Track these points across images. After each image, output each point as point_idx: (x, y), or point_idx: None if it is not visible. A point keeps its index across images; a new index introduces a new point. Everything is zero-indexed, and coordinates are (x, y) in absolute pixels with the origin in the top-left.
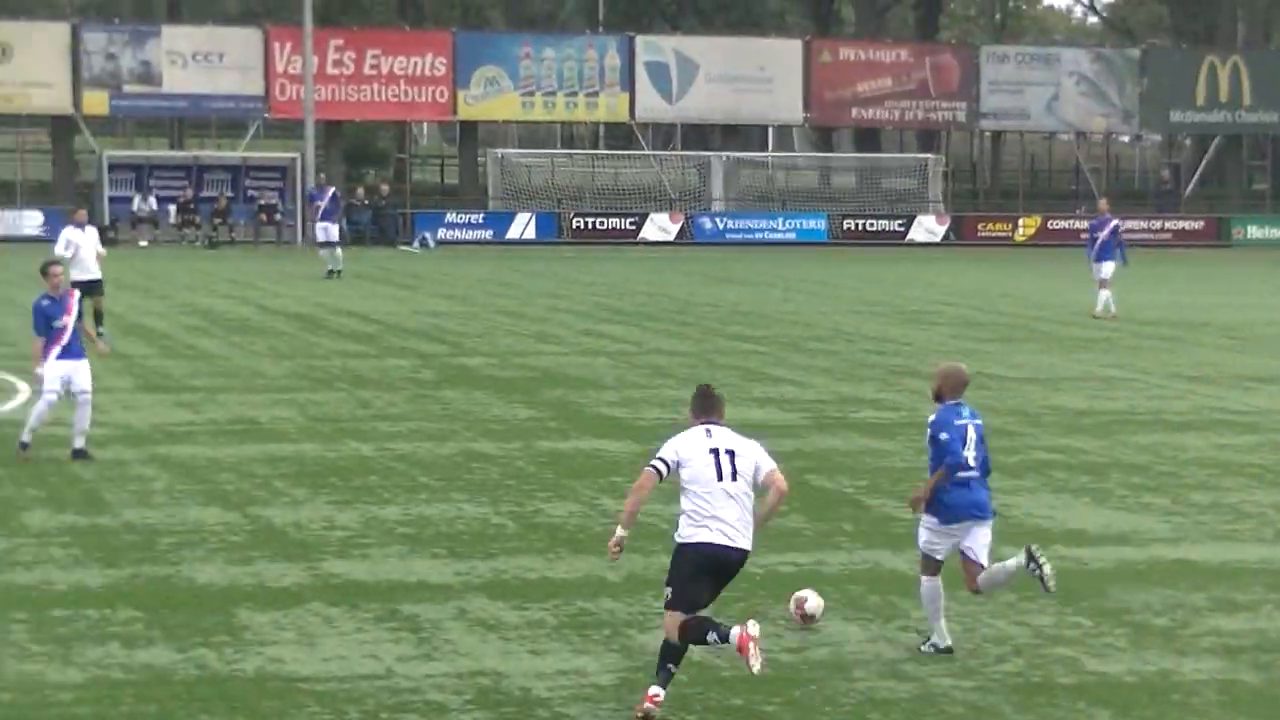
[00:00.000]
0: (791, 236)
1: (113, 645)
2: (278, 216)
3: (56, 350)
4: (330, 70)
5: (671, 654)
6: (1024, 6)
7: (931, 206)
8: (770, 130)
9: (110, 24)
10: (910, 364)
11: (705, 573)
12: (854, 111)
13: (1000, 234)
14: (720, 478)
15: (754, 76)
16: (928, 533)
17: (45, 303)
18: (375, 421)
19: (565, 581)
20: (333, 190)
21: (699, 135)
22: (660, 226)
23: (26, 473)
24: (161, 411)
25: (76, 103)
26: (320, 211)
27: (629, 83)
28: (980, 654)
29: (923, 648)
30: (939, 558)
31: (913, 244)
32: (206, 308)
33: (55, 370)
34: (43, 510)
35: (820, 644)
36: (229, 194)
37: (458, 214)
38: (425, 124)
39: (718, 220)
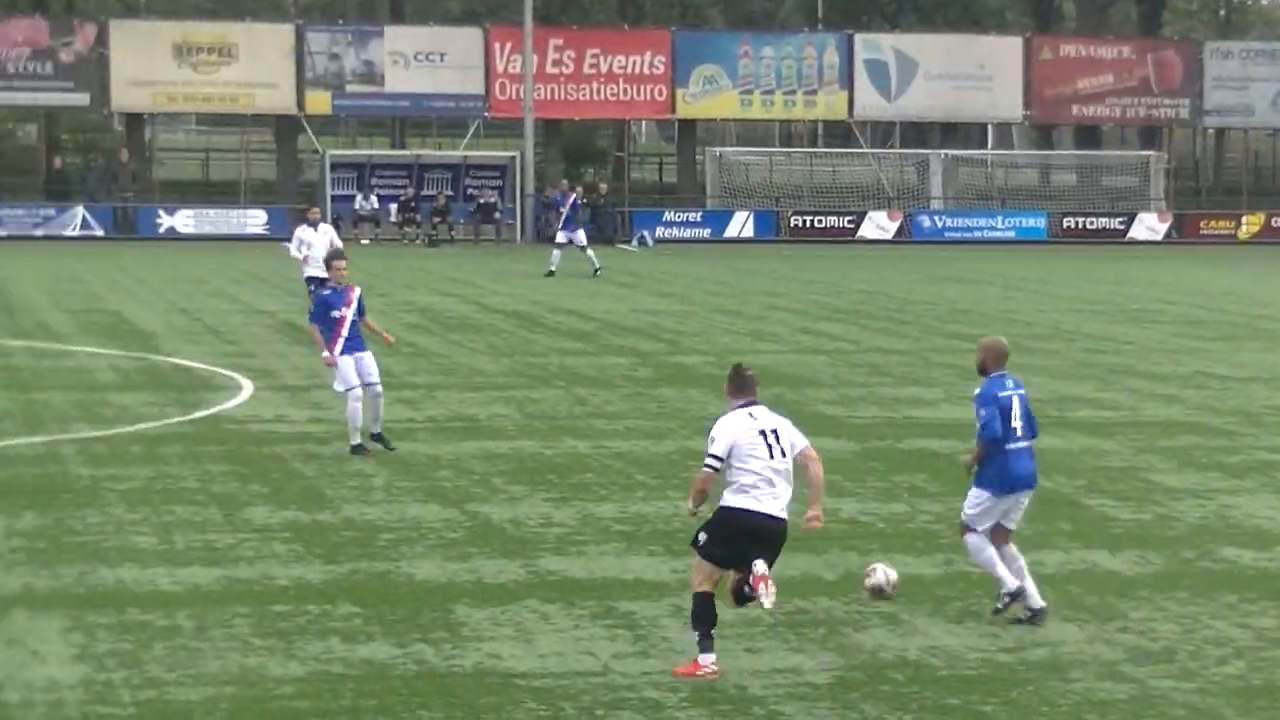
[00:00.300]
0: (1010, 235)
1: (333, 640)
2: (496, 215)
3: (339, 345)
4: (550, 69)
5: (704, 611)
6: (1249, 1)
7: (1153, 204)
8: (989, 128)
9: (334, 25)
10: (1131, 363)
11: (746, 537)
12: (1074, 109)
13: (1223, 232)
14: (771, 456)
15: (973, 74)
16: (979, 505)
17: (326, 293)
18: (592, 419)
19: (781, 579)
20: (574, 196)
21: (917, 133)
22: (878, 225)
23: (250, 469)
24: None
25: (300, 103)
26: (563, 219)
27: (848, 81)
28: (1201, 656)
29: (999, 605)
30: (980, 529)
31: (1133, 242)
32: (426, 305)
33: (346, 366)
34: (265, 506)
35: (1038, 644)
36: (449, 193)
37: (676, 212)
38: (644, 122)
39: (936, 218)
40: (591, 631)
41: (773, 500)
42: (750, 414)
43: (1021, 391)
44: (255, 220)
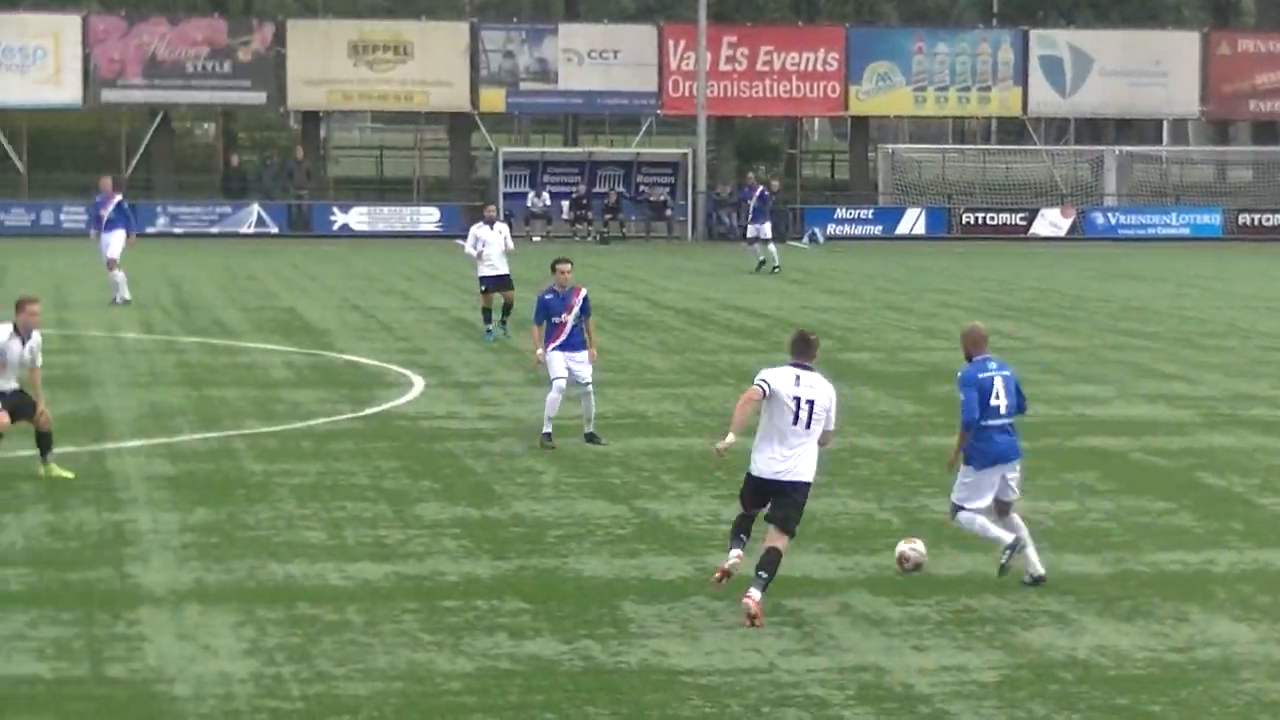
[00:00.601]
0: (1185, 232)
1: (500, 636)
2: (668, 212)
3: (556, 344)
4: (723, 66)
5: (740, 525)
6: None
7: None
8: (1165, 124)
9: (508, 23)
10: None
11: (762, 493)
12: (1252, 104)
13: None
14: (795, 423)
15: (1149, 70)
16: (965, 482)
17: (549, 296)
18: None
19: (949, 578)
20: (761, 189)
21: (1091, 129)
22: (1051, 222)
23: (420, 465)
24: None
25: (474, 100)
26: (751, 211)
27: (1022, 77)
28: None
29: (1003, 561)
30: (969, 507)
31: None
32: (597, 303)
33: (558, 360)
34: (435, 502)
35: (1208, 644)
36: (620, 190)
37: (847, 209)
38: (816, 119)
39: (1110, 215)
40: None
41: (782, 462)
42: (798, 376)
43: (1006, 372)
44: (428, 217)
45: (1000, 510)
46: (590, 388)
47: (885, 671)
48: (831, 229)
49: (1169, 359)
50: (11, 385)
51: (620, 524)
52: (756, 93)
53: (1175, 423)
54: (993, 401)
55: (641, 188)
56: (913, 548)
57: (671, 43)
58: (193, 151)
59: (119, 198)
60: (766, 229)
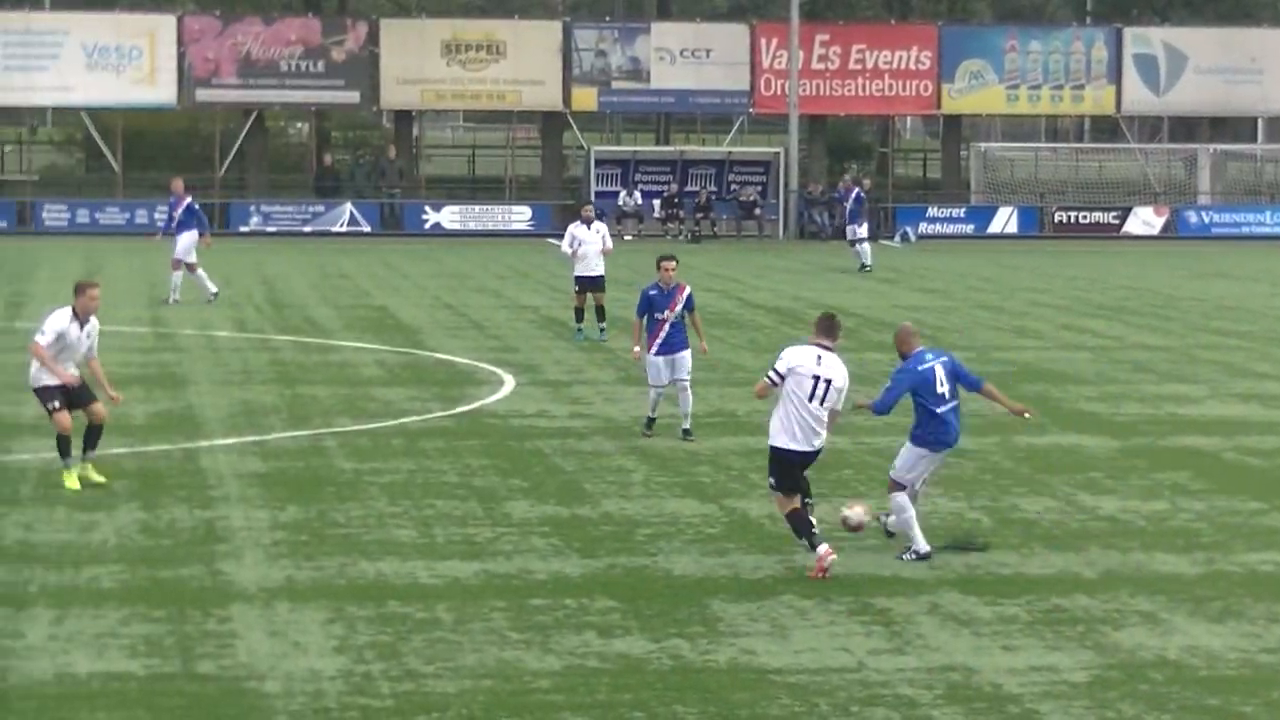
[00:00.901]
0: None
1: (589, 634)
2: (759, 211)
3: (658, 343)
4: (815, 65)
5: (801, 524)
6: None
7: None
8: (1260, 122)
9: (601, 22)
10: None
11: (793, 466)
12: None
13: None
14: (811, 399)
15: (1244, 67)
16: (912, 462)
17: (653, 292)
18: (851, 415)
19: (1039, 577)
20: (856, 190)
21: (1185, 128)
22: (1144, 220)
23: (510, 463)
24: (643, 404)
25: (566, 99)
26: (848, 212)
27: (1116, 75)
28: None
29: (904, 557)
30: (907, 483)
31: None
32: None
33: (657, 366)
34: (524, 501)
35: None
36: (712, 189)
37: (939, 208)
38: (908, 118)
39: (1204, 214)
40: (847, 628)
41: (802, 438)
42: (819, 356)
43: (944, 359)
44: (520, 216)
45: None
46: (687, 383)
47: (974, 671)
48: (923, 228)
49: (1262, 358)
50: (71, 374)
51: (710, 523)
52: (848, 91)
53: (1268, 423)
54: (939, 390)
55: (733, 187)
56: (854, 510)
57: (764, 41)
58: (286, 150)
59: (189, 199)
60: (864, 230)
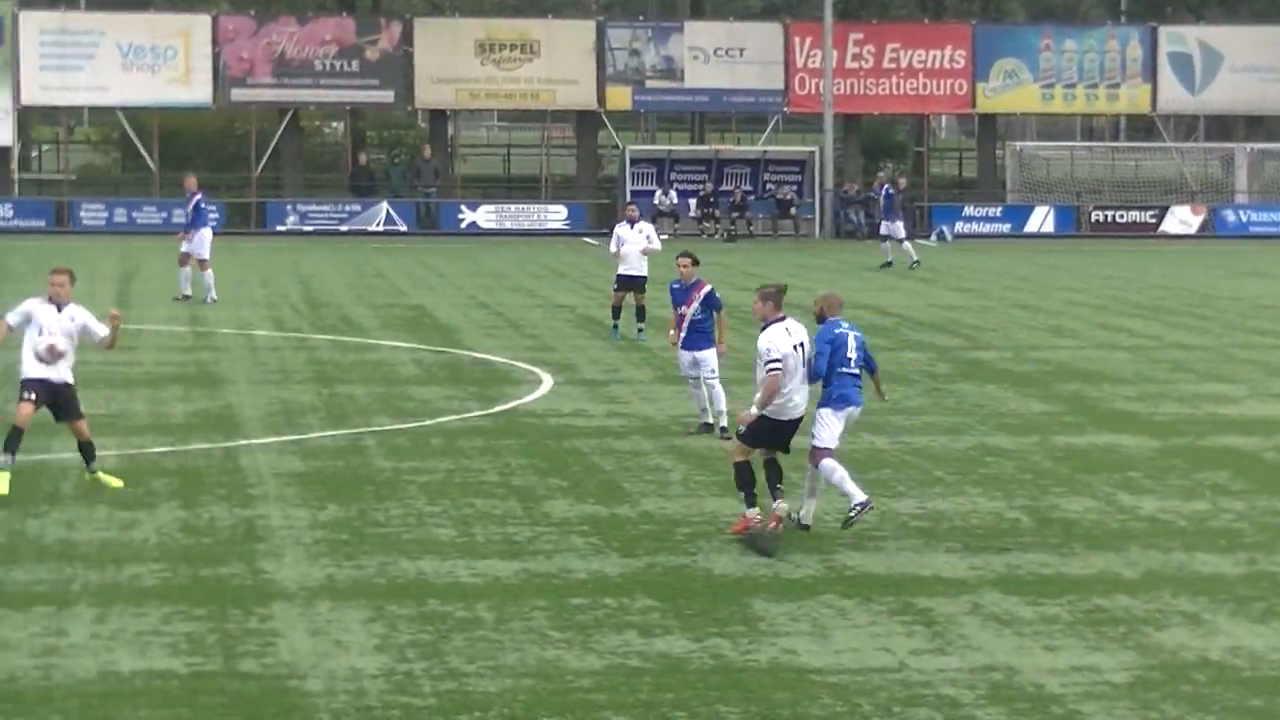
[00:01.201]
0: None
1: (630, 634)
2: (794, 210)
3: (682, 337)
4: (849, 64)
5: (746, 478)
6: None
7: None
8: None
9: (634, 21)
10: None
11: (781, 434)
12: None
13: None
14: (800, 366)
15: None
16: (824, 423)
17: (675, 286)
18: (889, 414)
19: (1081, 578)
20: (886, 187)
21: (1220, 127)
22: (1181, 219)
23: (549, 462)
24: (679, 403)
25: (600, 98)
26: (882, 210)
27: (1151, 74)
28: None
29: (851, 515)
30: (830, 447)
31: None
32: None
33: (681, 358)
34: (564, 499)
35: None
36: (747, 188)
37: (975, 207)
38: (943, 117)
39: (1241, 213)
40: (888, 627)
41: (799, 403)
42: (787, 329)
43: (856, 332)
44: (555, 215)
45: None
46: (713, 379)
47: (1016, 671)
48: (959, 227)
49: None
50: (61, 375)
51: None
52: (883, 90)
53: None
54: (847, 354)
55: (768, 186)
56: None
57: (797, 40)
58: (321, 150)
59: (198, 196)
60: (898, 228)
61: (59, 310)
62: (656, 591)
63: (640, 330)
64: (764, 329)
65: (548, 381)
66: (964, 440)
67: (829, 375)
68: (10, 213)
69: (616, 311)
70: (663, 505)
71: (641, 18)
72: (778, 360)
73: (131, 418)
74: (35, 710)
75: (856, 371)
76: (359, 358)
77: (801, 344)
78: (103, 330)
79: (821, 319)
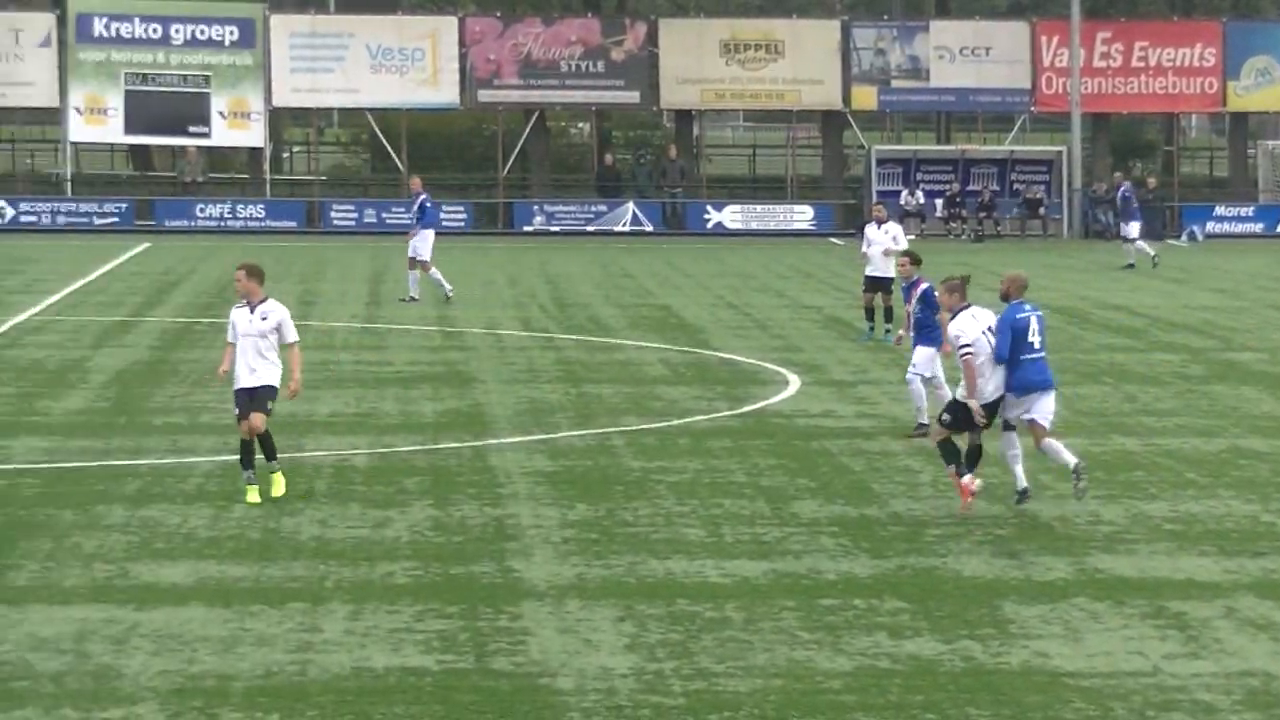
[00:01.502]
0: None
1: (880, 635)
2: (1043, 210)
3: (911, 335)
4: (1097, 63)
5: (951, 451)
6: None
7: None
8: None
9: (879, 20)
10: None
11: (989, 415)
12: None
13: None
14: (988, 350)
15: None
16: (1010, 404)
17: (904, 286)
18: (1141, 416)
19: None
20: (1122, 187)
21: None
22: None
23: (797, 463)
24: (930, 405)
25: (846, 98)
26: (1119, 210)
27: None
28: None
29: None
30: (1015, 423)
31: None
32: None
33: (921, 354)
34: (813, 500)
35: None
36: (995, 188)
37: (1226, 207)
38: (1194, 115)
39: None
40: (1141, 631)
41: (998, 387)
42: (974, 316)
43: (1039, 314)
44: (802, 216)
45: (1036, 432)
46: (935, 382)
47: (1274, 677)
48: (1211, 227)
49: None
50: (263, 380)
51: (999, 524)
52: (1131, 89)
53: None
54: (1029, 338)
55: (1016, 185)
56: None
57: (1044, 39)
58: (568, 150)
59: (423, 196)
60: (1132, 228)
61: (251, 311)
62: (906, 593)
63: (887, 331)
64: (952, 318)
65: (795, 382)
66: (1217, 443)
67: (1011, 359)
68: (263, 213)
69: (869, 313)
70: (912, 507)
71: (886, 17)
72: (969, 345)
73: (383, 417)
74: (291, 705)
75: (1041, 355)
76: (606, 357)
77: (990, 328)
78: (292, 335)
79: (1006, 299)
